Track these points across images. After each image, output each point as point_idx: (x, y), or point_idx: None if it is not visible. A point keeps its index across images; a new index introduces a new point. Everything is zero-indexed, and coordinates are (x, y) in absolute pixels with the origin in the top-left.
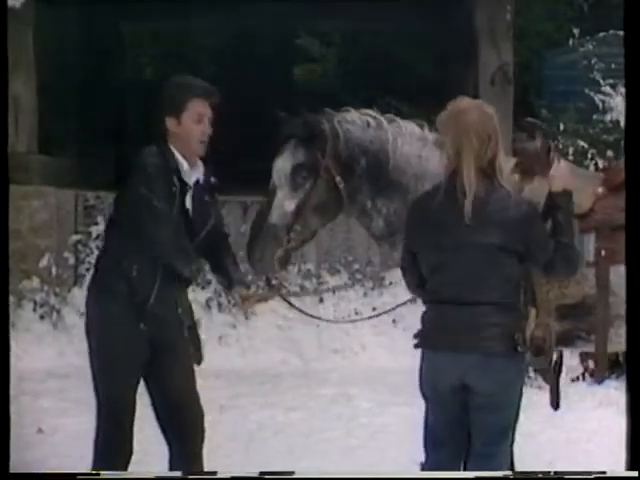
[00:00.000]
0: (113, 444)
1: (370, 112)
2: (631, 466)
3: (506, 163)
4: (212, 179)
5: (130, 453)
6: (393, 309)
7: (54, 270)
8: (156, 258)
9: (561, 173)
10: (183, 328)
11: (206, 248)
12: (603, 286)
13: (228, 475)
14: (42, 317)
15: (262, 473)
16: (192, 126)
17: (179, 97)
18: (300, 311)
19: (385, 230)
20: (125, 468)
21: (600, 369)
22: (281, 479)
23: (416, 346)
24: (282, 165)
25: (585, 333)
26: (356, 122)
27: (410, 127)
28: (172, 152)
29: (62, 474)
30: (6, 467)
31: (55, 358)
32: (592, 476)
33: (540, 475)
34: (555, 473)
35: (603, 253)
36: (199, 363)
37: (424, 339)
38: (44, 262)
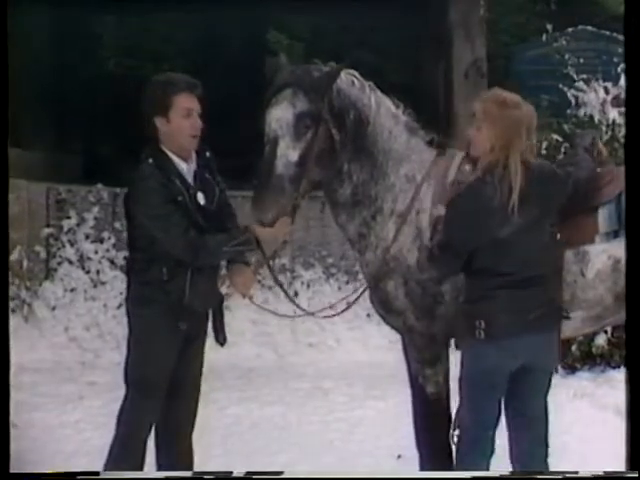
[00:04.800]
0: (135, 448)
1: (354, 72)
2: (631, 466)
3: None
4: (207, 153)
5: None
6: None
7: (25, 263)
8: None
9: None
10: (210, 315)
11: (215, 217)
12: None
13: (212, 476)
14: (13, 311)
15: (249, 473)
16: (181, 121)
17: (164, 95)
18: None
19: (349, 199)
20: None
21: None
22: (270, 479)
23: (485, 337)
24: (282, 114)
25: None
26: (342, 78)
27: (387, 102)
28: (168, 156)
29: (62, 474)
30: (6, 467)
31: (26, 352)
32: (590, 475)
33: (538, 475)
34: (552, 473)
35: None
36: (223, 344)
37: (492, 329)
38: (15, 255)
